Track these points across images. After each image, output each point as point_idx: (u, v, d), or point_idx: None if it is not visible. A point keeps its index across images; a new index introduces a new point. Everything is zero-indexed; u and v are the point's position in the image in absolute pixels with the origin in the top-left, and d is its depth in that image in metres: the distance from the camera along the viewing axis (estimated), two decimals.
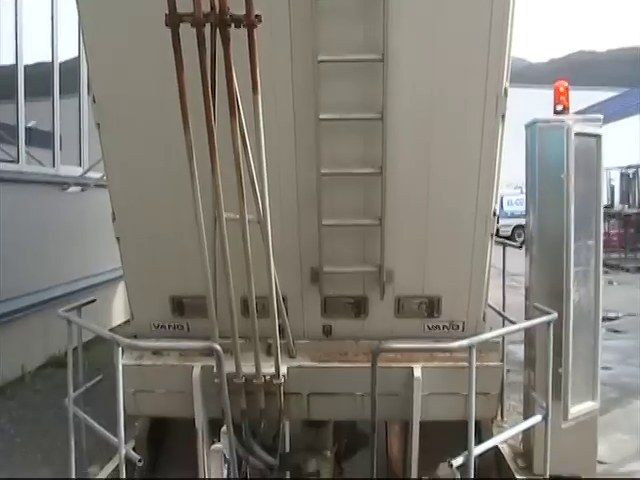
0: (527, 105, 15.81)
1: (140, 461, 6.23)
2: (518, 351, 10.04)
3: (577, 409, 7.30)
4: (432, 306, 7.15)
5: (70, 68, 14.04)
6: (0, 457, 8.54)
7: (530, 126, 7.71)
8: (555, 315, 6.80)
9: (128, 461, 6.22)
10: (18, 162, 12.08)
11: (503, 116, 6.52)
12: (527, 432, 7.83)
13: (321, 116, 6.40)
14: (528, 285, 7.88)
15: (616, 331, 15.38)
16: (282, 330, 6.83)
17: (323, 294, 7.09)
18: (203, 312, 6.68)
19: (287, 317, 6.89)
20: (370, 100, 6.42)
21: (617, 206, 32.74)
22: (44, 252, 12.26)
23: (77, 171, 13.86)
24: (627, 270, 26.17)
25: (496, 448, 7.99)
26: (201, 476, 7.16)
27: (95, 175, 12.81)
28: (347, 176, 6.68)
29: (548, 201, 7.48)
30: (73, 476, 7.15)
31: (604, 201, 7.51)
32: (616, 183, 33.60)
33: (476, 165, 6.61)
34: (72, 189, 13.49)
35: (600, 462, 7.87)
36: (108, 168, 7.04)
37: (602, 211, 7.56)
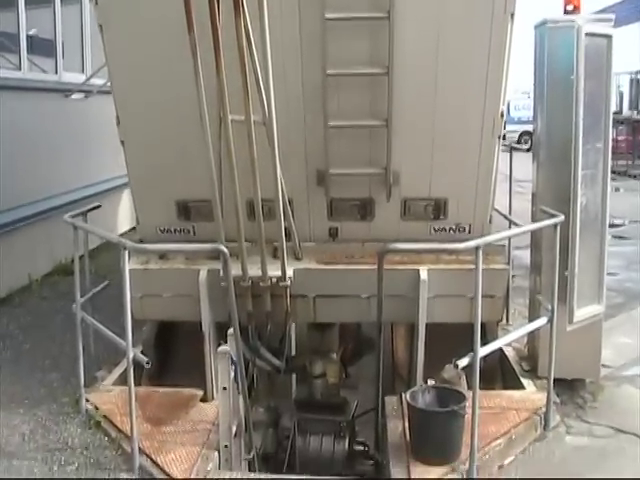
0: (536, 11, 15.56)
1: (148, 363, 6.27)
2: (523, 256, 10.05)
3: (582, 312, 7.32)
4: (438, 208, 7.16)
5: None
6: (9, 363, 8.61)
7: (539, 27, 7.57)
8: (562, 217, 6.77)
9: (136, 364, 6.27)
10: (20, 69, 11.94)
11: (512, 15, 6.42)
12: (532, 335, 7.87)
13: (327, 15, 6.30)
14: (535, 190, 7.83)
15: (621, 237, 15.34)
16: (288, 233, 6.86)
17: (329, 196, 7.10)
18: (209, 215, 6.71)
19: (293, 220, 6.92)
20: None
21: (626, 112, 32.30)
22: (48, 160, 12.17)
23: (80, 78, 13.69)
24: (634, 177, 25.95)
25: (501, 351, 8.06)
26: (208, 377, 7.28)
27: (98, 82, 12.67)
28: (353, 77, 6.62)
29: (557, 103, 7.37)
30: (82, 381, 7.24)
31: (613, 107, 7.39)
32: (625, 89, 33.10)
33: (484, 64, 6.52)
34: (75, 96, 13.32)
35: (604, 366, 7.91)
36: (112, 70, 6.97)
37: (611, 114, 7.47)
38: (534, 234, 7.81)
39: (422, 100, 6.68)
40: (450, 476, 5.97)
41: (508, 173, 9.26)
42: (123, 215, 14.94)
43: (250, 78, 5.70)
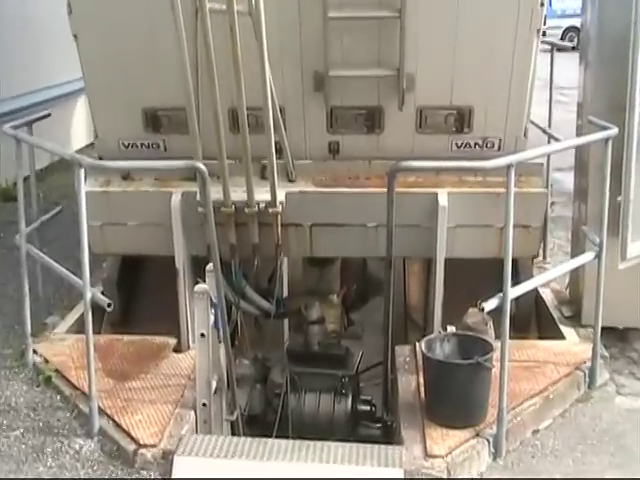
0: None
1: (110, 306, 6.27)
2: (565, 180, 10.09)
3: (637, 247, 7.32)
4: (462, 119, 7.15)
5: None
6: None
7: None
8: (615, 130, 6.69)
9: (95, 307, 6.30)
10: None
11: None
12: (575, 275, 7.94)
13: None
14: (581, 99, 7.81)
15: None
16: (279, 149, 6.89)
17: (329, 104, 7.08)
18: (183, 127, 6.73)
19: (285, 133, 6.93)
20: None
21: None
22: None
23: None
24: None
25: (536, 293, 8.15)
26: (183, 322, 7.39)
27: None
28: None
29: None
30: (28, 328, 7.31)
31: None
32: None
33: None
34: None
35: None
36: None
37: None
38: (579, 151, 7.83)
39: None
40: (473, 442, 6.03)
41: (548, 78, 9.22)
42: (78, 127, 14.91)
43: None
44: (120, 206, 7.42)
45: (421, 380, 6.54)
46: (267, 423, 7.30)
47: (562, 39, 34.57)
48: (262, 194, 6.87)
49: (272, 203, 6.89)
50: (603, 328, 7.04)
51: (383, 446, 6.06)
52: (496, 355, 6.08)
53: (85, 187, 6.22)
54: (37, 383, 7.06)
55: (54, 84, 13.80)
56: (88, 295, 6.19)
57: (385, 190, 6.63)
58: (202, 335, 6.32)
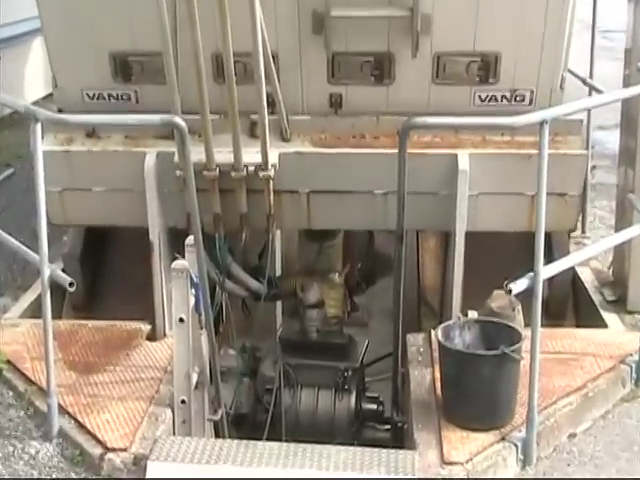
0: None
1: (72, 285, 6.25)
2: (609, 140, 10.08)
3: None
4: (487, 68, 7.13)
5: None
6: None
7: None
8: None
9: (54, 287, 6.31)
10: None
11: None
12: (620, 252, 7.95)
13: None
14: (630, 44, 7.80)
15: None
16: (271, 102, 6.90)
17: (330, 50, 7.06)
18: (158, 76, 6.74)
19: (279, 83, 6.92)
20: None
21: None
22: None
23: None
24: None
25: (574, 273, 8.19)
26: (158, 306, 7.43)
27: None
28: None
29: None
30: None
31: None
32: None
33: None
34: None
35: None
36: None
37: None
38: (627, 106, 7.83)
39: None
40: (498, 447, 6.05)
41: (590, 19, 9.21)
42: (34, 75, 14.90)
43: None
44: (84, 168, 7.43)
45: (437, 374, 6.57)
46: (257, 423, 7.35)
47: None
48: (251, 155, 6.88)
49: (263, 166, 6.89)
50: None
51: (392, 451, 6.06)
52: (525, 345, 6.07)
53: (42, 146, 6.20)
54: None
55: (4, 23, 13.78)
56: (46, 273, 6.17)
57: (396, 151, 6.56)
58: (181, 320, 6.36)
